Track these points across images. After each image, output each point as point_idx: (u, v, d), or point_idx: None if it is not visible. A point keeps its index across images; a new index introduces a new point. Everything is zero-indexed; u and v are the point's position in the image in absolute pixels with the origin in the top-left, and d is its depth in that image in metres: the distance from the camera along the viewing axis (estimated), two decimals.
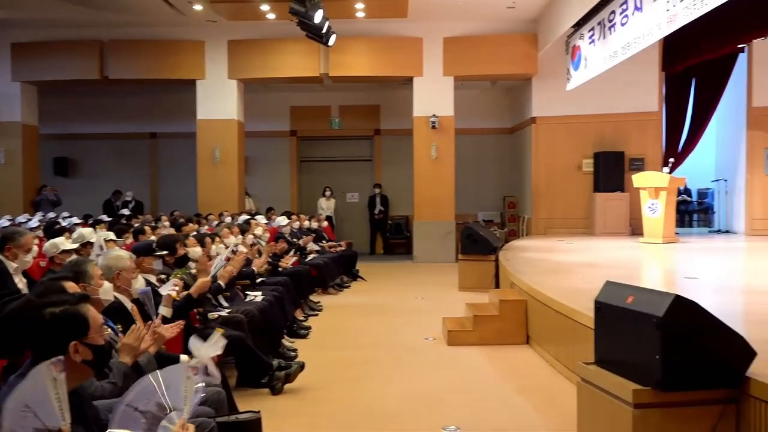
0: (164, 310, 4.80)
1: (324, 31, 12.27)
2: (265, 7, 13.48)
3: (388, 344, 7.31)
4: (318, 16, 11.38)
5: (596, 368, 3.90)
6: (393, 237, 17.32)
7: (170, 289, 4.95)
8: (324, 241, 12.71)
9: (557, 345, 6.10)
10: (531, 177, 14.88)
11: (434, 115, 14.75)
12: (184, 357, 3.98)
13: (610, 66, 11.02)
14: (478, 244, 10.85)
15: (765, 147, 13.55)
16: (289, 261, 9.24)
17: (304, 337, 7.62)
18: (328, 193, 16.95)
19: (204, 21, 14.48)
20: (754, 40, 12.05)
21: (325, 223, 14.13)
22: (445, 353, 6.87)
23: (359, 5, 13.50)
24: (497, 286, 9.94)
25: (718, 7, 7.58)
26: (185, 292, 5.13)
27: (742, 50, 13.44)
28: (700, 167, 15.73)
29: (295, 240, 11.16)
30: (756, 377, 3.46)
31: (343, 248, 12.78)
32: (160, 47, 14.74)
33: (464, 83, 15.50)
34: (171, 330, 3.94)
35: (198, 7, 13.60)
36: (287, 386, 5.52)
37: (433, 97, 14.82)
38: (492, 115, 17.27)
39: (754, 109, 13.60)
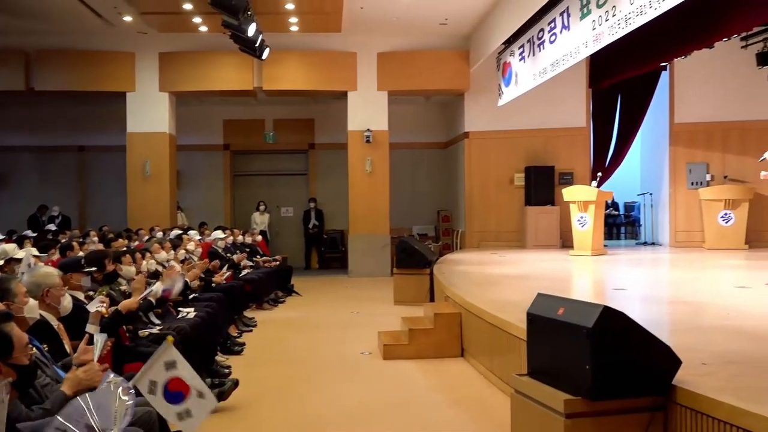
0: (91, 328, 4.66)
1: (257, 44, 12.21)
2: (197, 20, 13.33)
3: (323, 359, 7.27)
4: (251, 30, 11.31)
5: (529, 379, 3.96)
6: (328, 251, 17.26)
7: (98, 306, 4.81)
8: (258, 256, 12.58)
9: (491, 357, 6.17)
10: (464, 191, 15.07)
11: (369, 130, 14.81)
12: (110, 376, 3.86)
13: (540, 82, 11.27)
14: (412, 257, 10.91)
15: (687, 162, 14.04)
16: (222, 276, 9.11)
17: (238, 353, 7.51)
18: (262, 207, 16.81)
19: (134, 32, 14.22)
20: (676, 59, 12.50)
21: (260, 238, 13.98)
22: (381, 367, 6.87)
23: (293, 19, 13.48)
24: (432, 299, 10.00)
25: (641, 26, 7.86)
26: (113, 308, 5.00)
27: (664, 68, 13.92)
28: (626, 181, 16.19)
29: (228, 255, 11.01)
30: (681, 385, 3.57)
31: (277, 263, 12.67)
32: (89, 58, 14.39)
33: (398, 98, 15.63)
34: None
35: (128, 18, 13.35)
36: (221, 404, 5.42)
37: (367, 111, 14.88)
38: (426, 130, 17.44)
39: (676, 126, 14.09)
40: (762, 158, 7.64)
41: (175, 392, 3.39)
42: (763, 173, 7.73)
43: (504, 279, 9.02)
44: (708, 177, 13.88)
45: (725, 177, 13.59)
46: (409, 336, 7.23)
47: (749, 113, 13.52)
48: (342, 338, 8.30)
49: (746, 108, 13.56)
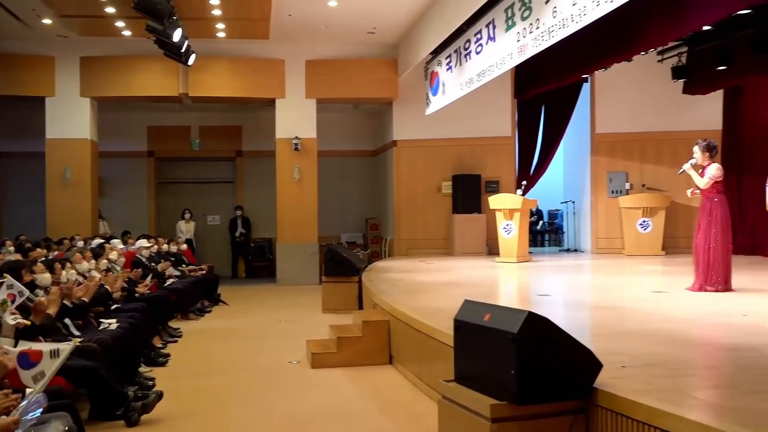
0: (5, 341, 4.48)
1: (183, 50, 12.00)
2: (120, 24, 13.02)
3: (250, 369, 7.17)
4: (177, 35, 11.11)
5: (456, 385, 4.00)
6: (255, 260, 17.07)
7: (12, 318, 4.63)
8: (183, 265, 12.34)
9: (419, 364, 6.20)
10: (393, 199, 15.15)
11: (297, 137, 14.74)
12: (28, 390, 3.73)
13: (467, 92, 11.44)
14: (341, 265, 10.89)
15: (607, 171, 14.49)
16: (146, 286, 8.89)
17: (162, 365, 7.33)
18: (187, 215, 16.51)
19: (54, 36, 13.79)
20: (596, 71, 12.90)
21: (185, 247, 13.71)
22: (309, 376, 6.83)
23: (220, 25, 13.32)
24: (360, 307, 10.00)
25: (564, 39, 8.07)
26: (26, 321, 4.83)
27: (586, 80, 14.35)
28: (550, 189, 16.59)
29: (152, 264, 10.77)
30: (602, 387, 3.66)
31: (203, 272, 12.46)
32: (6, 62, 13.86)
33: (327, 106, 15.61)
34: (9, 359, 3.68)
35: (47, 21, 12.94)
36: (144, 417, 5.29)
37: (295, 119, 14.81)
38: (355, 138, 17.46)
39: (597, 136, 14.52)
40: (681, 170, 7.90)
41: (32, 361, 3.54)
42: (689, 192, 8.02)
43: (432, 286, 9.09)
44: (627, 186, 14.34)
45: (643, 186, 14.06)
46: (338, 344, 7.20)
47: (665, 124, 14.04)
48: (270, 348, 8.21)
49: (662, 119, 14.08)
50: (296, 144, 14.73)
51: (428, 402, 5.63)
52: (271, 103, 14.97)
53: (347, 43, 14.63)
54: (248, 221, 17.03)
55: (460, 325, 4.10)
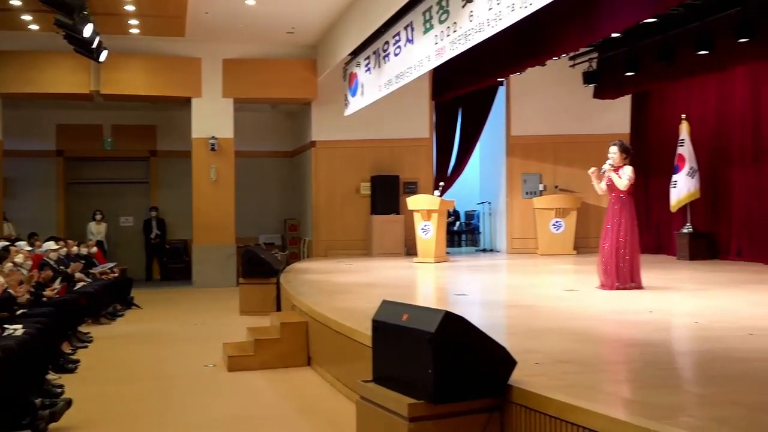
0: None
1: (94, 46, 11.62)
2: (26, 17, 12.50)
3: (165, 374, 7.01)
4: (87, 30, 10.75)
5: (374, 385, 4.01)
6: (171, 262, 16.70)
7: None
8: (95, 268, 11.95)
9: (338, 365, 6.19)
10: (311, 200, 15.08)
11: (214, 137, 14.50)
12: None
13: (385, 94, 11.50)
14: (259, 267, 10.78)
15: (522, 173, 14.82)
16: (54, 290, 8.57)
17: (71, 371, 7.07)
18: (98, 216, 16.00)
19: None
20: (512, 75, 13.19)
21: (95, 249, 13.28)
22: (226, 380, 6.72)
23: (133, 21, 12.97)
24: (279, 308, 9.91)
25: (480, 43, 8.22)
26: None
27: (501, 83, 14.65)
28: (467, 191, 16.85)
29: (62, 267, 10.38)
30: (516, 385, 3.74)
31: (115, 275, 12.09)
32: None
33: (245, 106, 15.41)
34: None
35: None
36: (52, 426, 5.09)
37: (212, 118, 14.56)
38: (273, 139, 17.31)
39: (512, 138, 14.84)
40: (603, 170, 8.08)
41: None
42: (598, 183, 8.19)
43: (350, 287, 9.09)
44: (541, 187, 14.70)
45: (556, 187, 14.45)
46: (255, 346, 7.12)
47: (577, 128, 14.45)
48: (185, 352, 8.04)
49: (574, 123, 14.49)
50: (213, 144, 14.49)
51: (347, 403, 5.63)
52: (186, 102, 14.68)
53: (265, 43, 14.49)
54: (163, 222, 16.65)
55: (378, 326, 4.11)
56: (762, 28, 9.66)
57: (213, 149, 14.51)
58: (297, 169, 16.74)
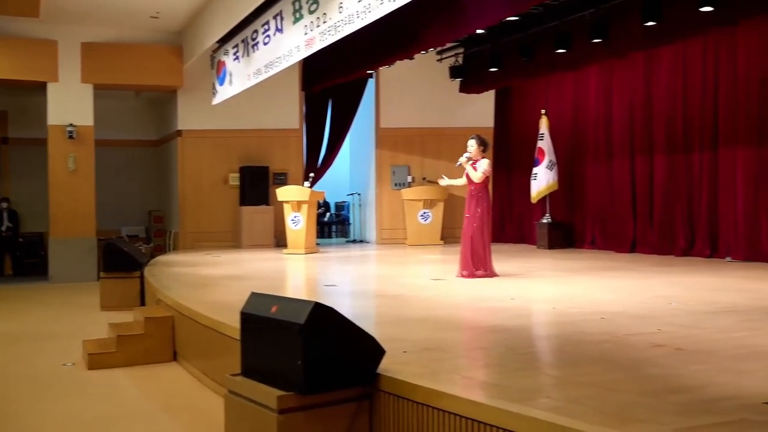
0: None
1: None
2: None
3: (17, 376, 6.58)
4: None
5: (243, 379, 3.96)
6: (25, 256, 15.72)
7: None
8: None
9: (205, 360, 6.07)
10: (178, 191, 14.65)
11: (72, 125, 13.77)
12: None
13: (254, 83, 11.33)
14: (121, 260, 10.37)
15: (391, 164, 15.04)
16: None
17: None
18: None
19: None
20: (381, 68, 13.34)
21: None
22: (87, 378, 6.42)
23: None
24: (143, 303, 9.60)
25: (350, 35, 8.25)
26: None
27: (371, 76, 14.79)
28: (337, 182, 16.92)
29: None
30: (385, 373, 3.80)
31: None
32: None
33: (106, 92, 14.73)
34: None
35: None
36: None
37: (70, 105, 13.82)
38: (136, 127, 16.67)
39: (381, 130, 15.03)
40: (458, 163, 8.39)
41: None
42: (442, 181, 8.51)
43: (219, 280, 8.93)
44: (409, 179, 14.98)
45: (424, 179, 14.75)
46: (118, 343, 6.85)
47: (444, 121, 14.83)
48: (41, 350, 7.60)
49: (442, 116, 14.85)
50: (71, 132, 13.77)
51: (215, 398, 5.52)
52: (41, 86, 13.85)
53: (128, 27, 13.89)
54: (16, 214, 15.66)
55: (246, 318, 4.07)
56: (613, 29, 10.28)
57: (71, 137, 13.79)
58: (162, 159, 16.21)
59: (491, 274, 8.33)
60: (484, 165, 8.25)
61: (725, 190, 10.14)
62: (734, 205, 9.98)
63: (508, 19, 11.05)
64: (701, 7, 8.76)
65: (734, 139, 9.98)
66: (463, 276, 8.26)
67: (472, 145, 8.33)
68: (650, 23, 9.52)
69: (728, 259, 9.90)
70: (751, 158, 9.75)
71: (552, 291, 7.52)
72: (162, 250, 15.33)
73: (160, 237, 16.04)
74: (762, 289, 7.17)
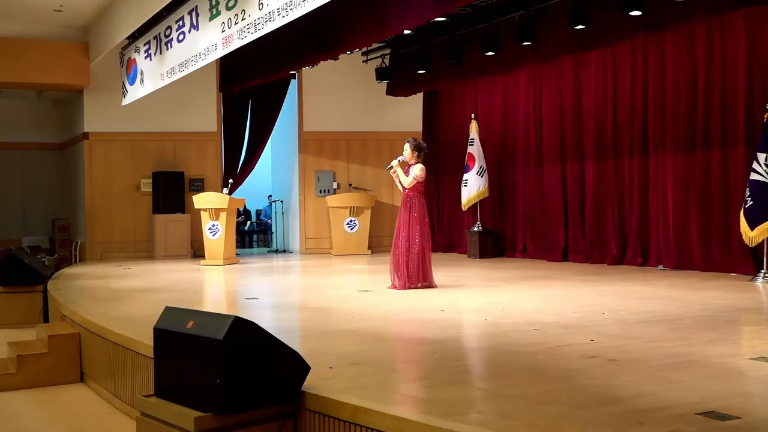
0: None
1: None
2: None
3: None
4: None
5: (156, 400, 3.88)
6: None
7: None
8: None
9: (115, 380, 5.91)
10: (85, 198, 14.25)
11: None
12: None
13: (168, 83, 11.14)
14: (22, 273, 10.02)
15: (315, 170, 15.00)
16: None
17: None
18: None
19: None
20: (304, 68, 13.32)
21: None
22: None
23: None
24: (46, 320, 9.31)
25: (271, 33, 8.21)
26: None
27: (294, 77, 14.73)
28: (258, 188, 16.79)
29: None
30: (310, 390, 3.78)
31: None
32: None
33: (4, 91, 14.23)
34: None
35: None
36: None
37: None
38: (39, 129, 16.18)
39: (305, 134, 14.97)
40: (389, 166, 8.41)
41: None
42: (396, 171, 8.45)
43: (130, 293, 8.73)
44: (335, 185, 14.98)
45: (350, 185, 14.79)
46: (18, 363, 6.61)
47: (370, 124, 14.89)
48: None
49: (368, 119, 14.91)
50: None
51: (126, 421, 5.40)
52: None
53: (29, 21, 13.41)
54: None
55: (160, 334, 4.00)
56: (542, 32, 10.53)
57: None
58: (68, 164, 15.75)
59: (431, 284, 8.38)
60: (416, 170, 8.27)
61: (656, 197, 10.49)
62: (665, 212, 10.32)
63: (435, 19, 11.18)
64: (630, 11, 9.06)
65: (663, 145, 10.35)
66: (395, 288, 8.27)
67: (406, 149, 8.34)
68: (579, 27, 9.79)
69: (660, 267, 10.24)
70: (680, 165, 10.11)
71: (483, 301, 7.63)
72: (67, 261, 14.89)
73: (65, 248, 15.57)
74: (692, 297, 7.45)
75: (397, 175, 8.35)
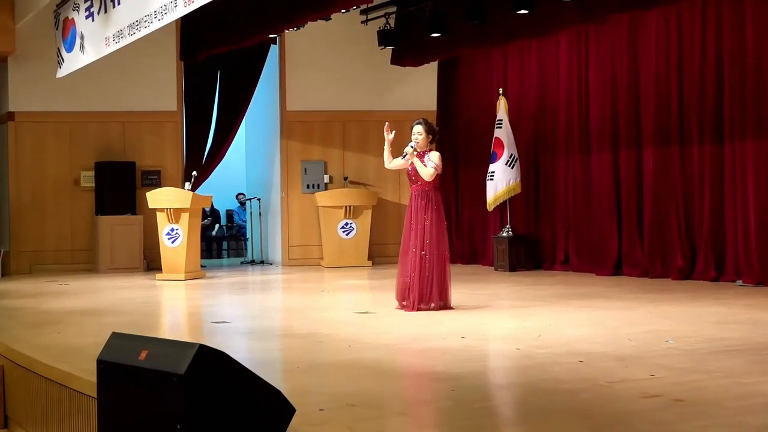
0: None
1: None
2: None
3: None
4: None
5: None
6: None
7: None
8: None
9: (48, 423, 5.94)
10: (9, 196, 14.29)
11: None
12: None
13: (115, 49, 11.12)
14: None
15: (302, 160, 14.97)
16: None
17: None
18: None
19: None
20: (287, 30, 13.29)
21: None
22: None
23: None
24: None
25: None
26: None
27: (274, 41, 14.70)
28: (229, 183, 16.78)
29: None
30: None
31: None
32: None
33: None
34: None
35: None
36: None
37: None
38: None
39: (288, 114, 14.95)
40: (404, 154, 8.27)
41: None
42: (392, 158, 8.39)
43: (67, 316, 8.76)
44: (326, 179, 14.95)
45: (345, 179, 14.75)
46: None
47: (372, 102, 14.86)
48: None
49: (367, 96, 14.89)
50: None
51: None
52: None
53: None
54: None
55: (105, 367, 4.01)
56: None
57: None
58: None
59: (448, 305, 8.35)
60: (435, 159, 8.14)
61: (733, 194, 10.34)
62: (744, 214, 10.19)
63: None
64: None
65: (742, 129, 10.20)
66: (404, 309, 8.24)
67: (419, 131, 8.20)
68: None
69: (739, 283, 10.20)
70: (763, 154, 9.97)
71: (514, 326, 7.61)
72: None
73: None
74: None
75: (413, 166, 8.20)
